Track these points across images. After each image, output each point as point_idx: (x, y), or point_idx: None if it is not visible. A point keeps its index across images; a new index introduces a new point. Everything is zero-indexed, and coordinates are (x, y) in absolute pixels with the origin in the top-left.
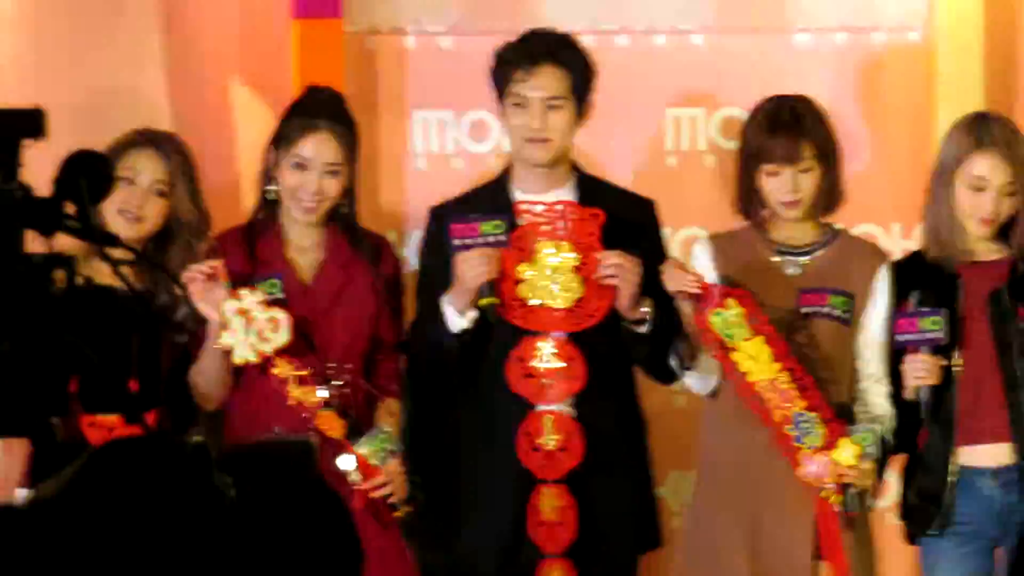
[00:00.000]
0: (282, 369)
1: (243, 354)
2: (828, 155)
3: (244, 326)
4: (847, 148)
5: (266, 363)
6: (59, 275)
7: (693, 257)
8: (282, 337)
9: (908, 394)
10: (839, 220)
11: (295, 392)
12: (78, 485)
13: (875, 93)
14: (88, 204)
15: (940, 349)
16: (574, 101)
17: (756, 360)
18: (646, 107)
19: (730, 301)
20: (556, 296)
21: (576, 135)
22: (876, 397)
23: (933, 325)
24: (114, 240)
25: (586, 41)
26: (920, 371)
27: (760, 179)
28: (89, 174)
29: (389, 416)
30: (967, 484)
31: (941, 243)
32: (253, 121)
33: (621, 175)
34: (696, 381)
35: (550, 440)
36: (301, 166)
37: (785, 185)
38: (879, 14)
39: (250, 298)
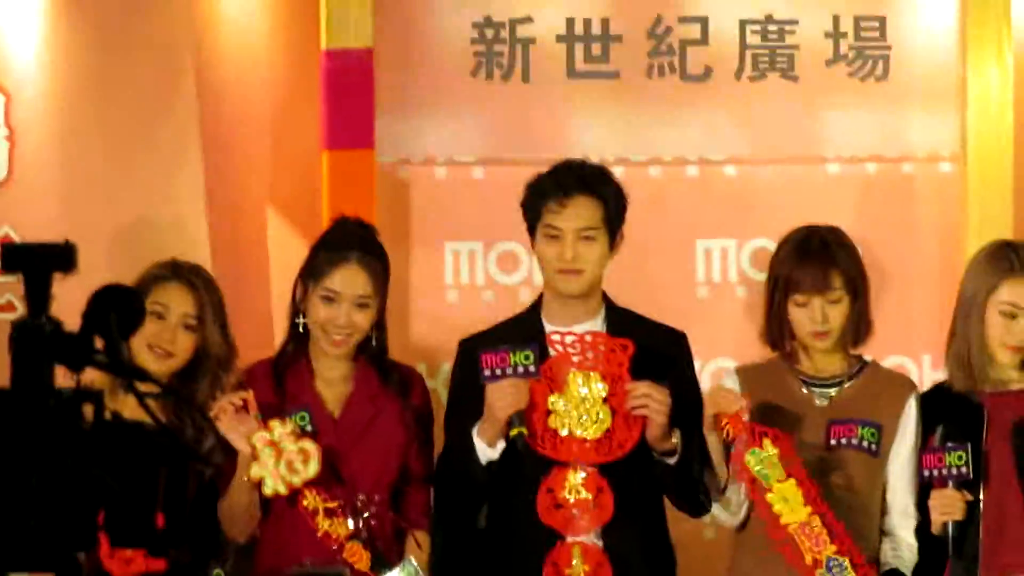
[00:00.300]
0: (311, 501)
1: (273, 486)
2: (857, 286)
3: (274, 458)
4: (878, 278)
5: (295, 495)
6: (88, 410)
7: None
8: (312, 469)
9: (935, 529)
10: (870, 351)
11: (323, 524)
12: None
13: (906, 223)
14: (117, 339)
15: (966, 483)
16: (607, 232)
17: (789, 503)
18: (677, 238)
19: (767, 442)
20: (586, 427)
21: (608, 266)
22: (903, 531)
23: (959, 460)
24: (142, 374)
25: (617, 172)
26: (947, 507)
27: (790, 309)
28: (119, 308)
29: (418, 549)
30: None
31: (969, 373)
32: (286, 250)
33: (652, 306)
34: (724, 514)
35: (579, 571)
36: (331, 299)
37: (815, 315)
38: (910, 144)
39: (280, 430)
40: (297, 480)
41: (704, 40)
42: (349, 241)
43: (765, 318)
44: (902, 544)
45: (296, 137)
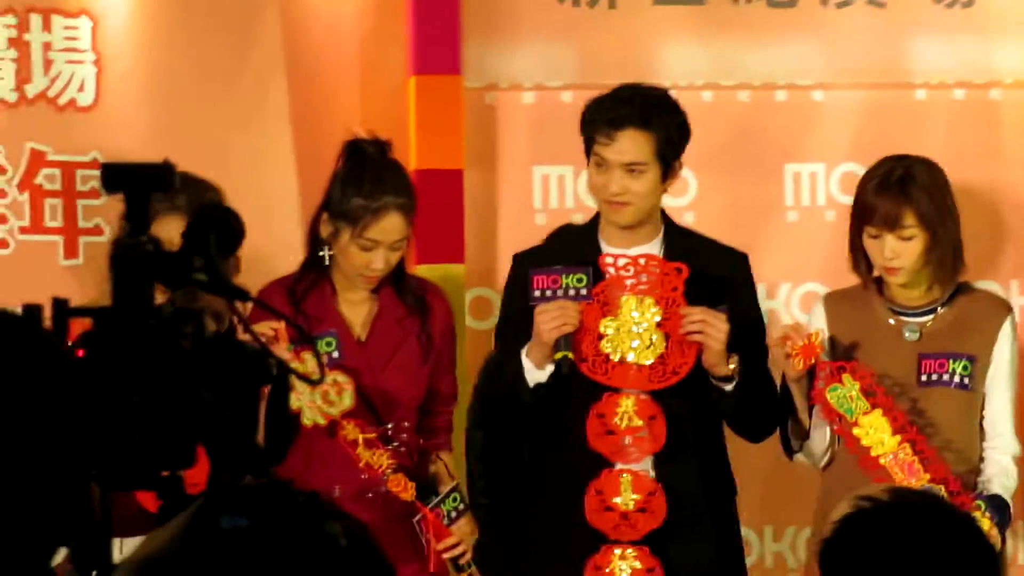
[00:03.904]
0: (350, 432)
1: (312, 417)
2: (935, 223)
3: (309, 389)
4: (966, 203)
5: (333, 426)
6: (188, 329)
7: (812, 316)
8: (347, 401)
9: None
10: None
11: (365, 455)
12: (191, 533)
13: (993, 149)
14: (216, 258)
15: None
16: (659, 164)
17: (877, 434)
18: (766, 162)
19: (846, 377)
20: (639, 352)
21: (665, 194)
22: (1001, 455)
23: None
24: (242, 293)
25: (705, 96)
26: None
27: (864, 240)
28: (218, 228)
29: (445, 469)
30: None
31: None
32: None
33: (742, 230)
34: (809, 460)
35: (628, 501)
36: (370, 248)
37: (884, 250)
38: (997, 70)
39: (312, 361)
40: (334, 411)
41: None
42: (384, 185)
43: (849, 246)
44: (1001, 470)
45: (383, 63)
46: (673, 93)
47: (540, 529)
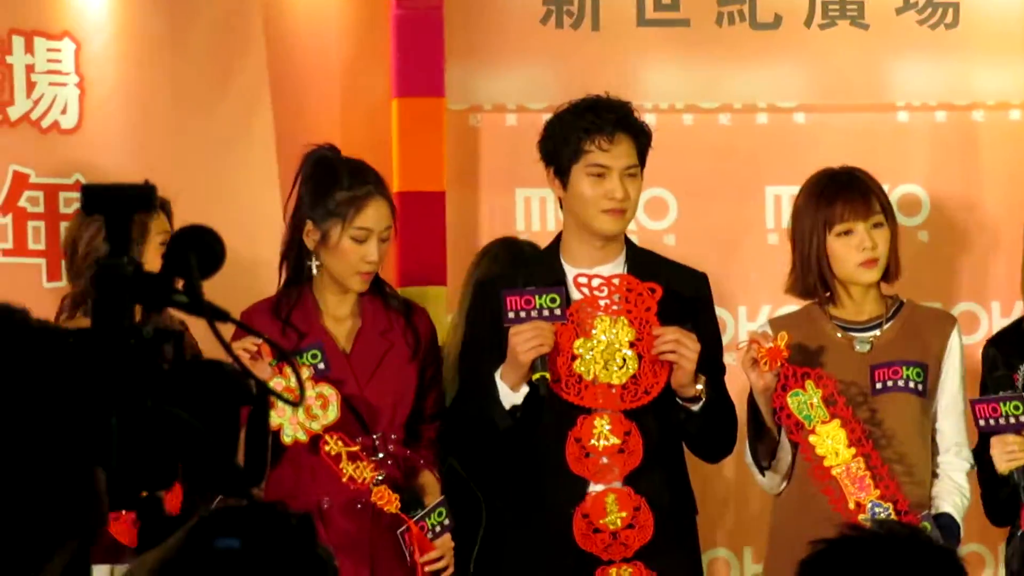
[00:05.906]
0: (333, 446)
1: (293, 433)
2: (891, 214)
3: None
4: (946, 225)
5: (316, 441)
6: (168, 349)
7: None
8: (331, 414)
9: (1001, 471)
10: (939, 297)
11: (348, 469)
12: (185, 554)
13: (974, 170)
14: (197, 279)
15: None
16: (640, 171)
17: (832, 444)
18: (747, 185)
19: (809, 383)
20: (611, 372)
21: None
22: (954, 472)
23: (1015, 410)
24: (222, 314)
25: (686, 119)
26: (1008, 454)
27: (831, 246)
28: (198, 249)
29: (432, 488)
30: None
31: None
32: None
33: (722, 252)
34: (773, 480)
35: (616, 520)
36: (363, 238)
37: (863, 241)
38: (979, 92)
39: (295, 376)
40: (316, 426)
41: None
42: (364, 175)
43: (798, 268)
44: (953, 486)
45: (366, 85)
46: (654, 115)
47: (531, 555)
